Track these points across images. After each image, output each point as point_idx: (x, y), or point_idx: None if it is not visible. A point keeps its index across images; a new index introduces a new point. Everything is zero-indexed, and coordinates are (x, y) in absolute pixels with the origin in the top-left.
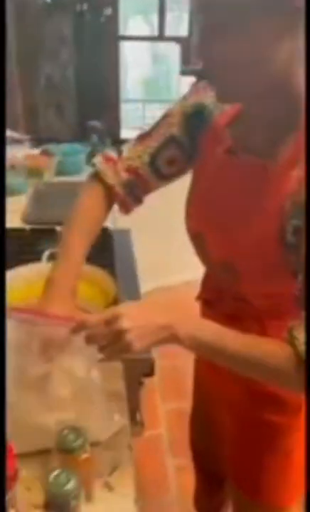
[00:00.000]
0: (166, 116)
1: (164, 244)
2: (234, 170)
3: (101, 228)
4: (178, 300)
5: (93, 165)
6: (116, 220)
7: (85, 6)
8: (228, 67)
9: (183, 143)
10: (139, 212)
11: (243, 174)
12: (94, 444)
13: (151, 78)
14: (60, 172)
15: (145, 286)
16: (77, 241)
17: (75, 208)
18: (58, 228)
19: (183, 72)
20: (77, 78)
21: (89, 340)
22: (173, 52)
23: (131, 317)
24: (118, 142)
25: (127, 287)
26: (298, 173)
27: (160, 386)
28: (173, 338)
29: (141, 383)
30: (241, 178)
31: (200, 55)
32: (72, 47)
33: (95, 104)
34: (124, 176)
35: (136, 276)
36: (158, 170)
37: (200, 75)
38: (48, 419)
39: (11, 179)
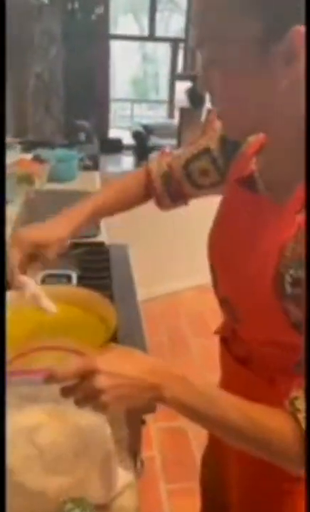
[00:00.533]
0: (214, 130)
1: (169, 249)
2: (247, 204)
3: (133, 203)
4: (165, 361)
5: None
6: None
7: (76, 5)
8: (228, 101)
9: (216, 159)
10: (141, 218)
11: (254, 210)
12: (98, 508)
13: (139, 78)
14: (52, 179)
15: (150, 292)
16: (102, 194)
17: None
18: None
19: (179, 77)
20: (67, 77)
21: (63, 393)
22: (162, 52)
23: (110, 374)
24: (106, 141)
25: (125, 306)
26: (301, 218)
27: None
28: (158, 400)
29: (143, 422)
30: (251, 213)
31: (202, 88)
32: (61, 45)
33: (84, 103)
34: (165, 167)
35: (134, 292)
36: (191, 176)
37: (195, 81)
38: (47, 481)
39: None
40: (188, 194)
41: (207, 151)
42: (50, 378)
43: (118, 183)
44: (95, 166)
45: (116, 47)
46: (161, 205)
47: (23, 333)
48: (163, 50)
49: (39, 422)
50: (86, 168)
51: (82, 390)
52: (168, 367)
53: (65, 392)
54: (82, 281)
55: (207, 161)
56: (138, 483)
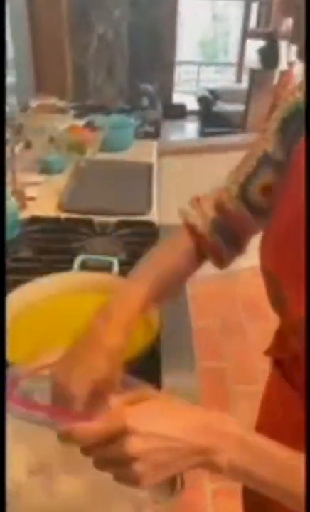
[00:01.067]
0: (262, 132)
1: None
2: None
3: (180, 280)
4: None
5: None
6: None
7: None
8: None
9: (280, 161)
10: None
11: None
12: None
13: (208, 39)
14: (105, 147)
15: (200, 271)
16: (135, 287)
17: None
18: (96, 219)
19: (251, 35)
20: (132, 38)
21: (85, 453)
22: (233, 10)
23: (144, 435)
24: (169, 107)
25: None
26: None
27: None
28: (209, 467)
29: None
30: None
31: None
32: (128, 4)
33: (149, 66)
34: (210, 214)
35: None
36: (251, 203)
37: (269, 39)
38: None
39: (47, 155)
40: (253, 231)
41: (264, 159)
42: (66, 438)
43: (161, 262)
44: (157, 133)
45: (184, 5)
46: (221, 263)
47: (51, 327)
48: (235, 7)
49: (53, 465)
50: (147, 134)
51: (108, 453)
52: (221, 422)
53: (87, 451)
54: (126, 267)
55: (268, 171)
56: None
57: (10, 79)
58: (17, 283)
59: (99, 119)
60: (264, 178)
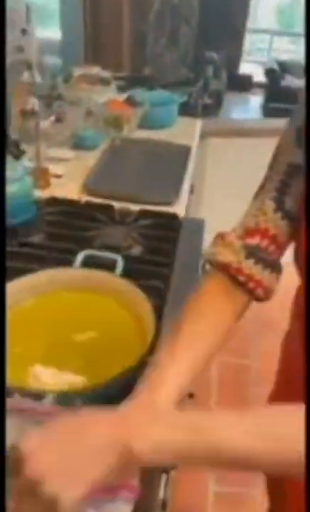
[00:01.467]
0: (279, 146)
1: None
2: None
3: (225, 330)
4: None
5: None
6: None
7: None
8: None
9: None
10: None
11: None
12: None
13: (285, 6)
14: (145, 124)
15: None
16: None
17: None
18: (117, 205)
19: None
20: (201, 2)
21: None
22: None
23: (39, 449)
24: (235, 77)
25: (182, 294)
26: None
27: (218, 392)
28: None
29: (166, 471)
30: None
31: None
32: None
33: (218, 33)
34: (237, 242)
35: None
36: (291, 215)
37: None
38: None
39: (83, 130)
40: (287, 244)
41: (293, 171)
42: None
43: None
44: (217, 106)
45: None
46: (267, 292)
47: (43, 329)
48: None
49: None
50: (206, 107)
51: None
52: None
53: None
54: (139, 263)
55: (300, 181)
56: (184, 476)
57: (54, 35)
58: (19, 272)
59: (140, 93)
60: (298, 187)
